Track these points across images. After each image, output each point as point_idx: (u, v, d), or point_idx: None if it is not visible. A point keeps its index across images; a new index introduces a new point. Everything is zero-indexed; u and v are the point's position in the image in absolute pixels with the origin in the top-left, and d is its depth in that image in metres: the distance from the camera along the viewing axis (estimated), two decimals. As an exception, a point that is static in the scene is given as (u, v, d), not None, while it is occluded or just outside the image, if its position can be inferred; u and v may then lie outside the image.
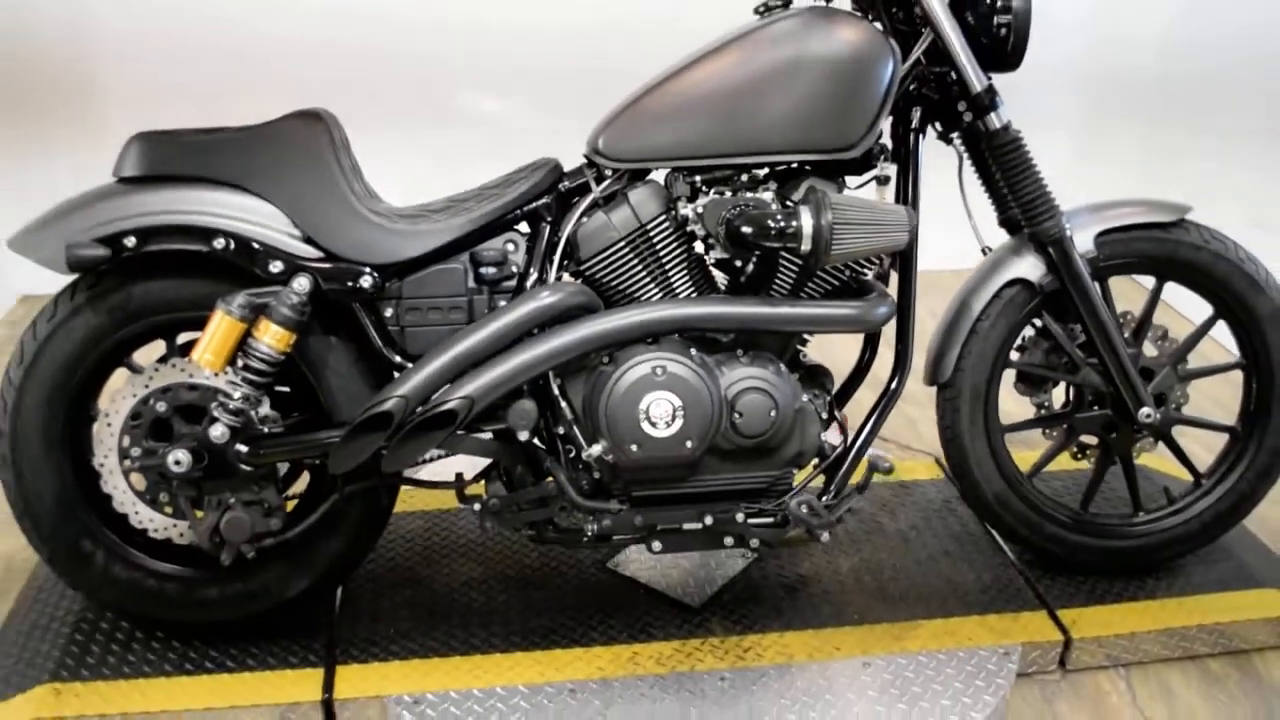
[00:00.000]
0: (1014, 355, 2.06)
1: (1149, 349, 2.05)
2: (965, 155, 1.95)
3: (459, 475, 1.88)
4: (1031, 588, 2.08)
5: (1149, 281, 2.04)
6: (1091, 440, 2.10)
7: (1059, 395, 2.11)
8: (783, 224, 1.69)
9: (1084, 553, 2.10)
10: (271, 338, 1.70)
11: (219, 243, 1.70)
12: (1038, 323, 2.03)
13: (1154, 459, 2.30)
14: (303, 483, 1.97)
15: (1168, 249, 1.97)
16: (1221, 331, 2.08)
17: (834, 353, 2.06)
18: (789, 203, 1.74)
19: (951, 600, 2.05)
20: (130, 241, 1.69)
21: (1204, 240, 1.98)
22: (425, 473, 1.94)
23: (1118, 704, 1.93)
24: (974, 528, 2.25)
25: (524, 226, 1.84)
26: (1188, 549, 2.13)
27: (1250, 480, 2.09)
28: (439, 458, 1.88)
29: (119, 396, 1.78)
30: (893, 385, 1.90)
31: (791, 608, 2.02)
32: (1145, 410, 1.97)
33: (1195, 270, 1.99)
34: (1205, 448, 2.21)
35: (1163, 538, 2.10)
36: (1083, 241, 1.94)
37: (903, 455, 2.58)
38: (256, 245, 1.71)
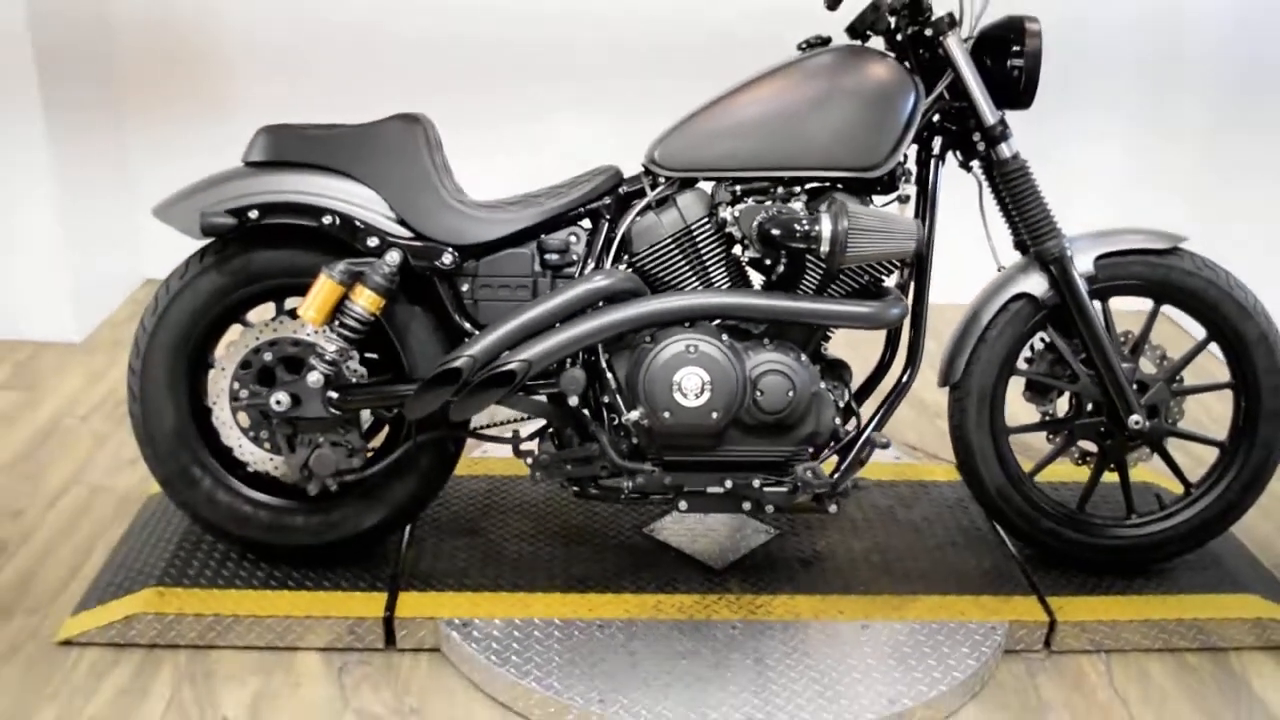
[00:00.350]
0: (1023, 365, 2.28)
1: (1147, 366, 2.25)
2: (983, 183, 2.19)
3: (515, 432, 2.16)
4: (1026, 576, 2.28)
5: (1149, 304, 2.25)
6: (1091, 447, 2.30)
7: (1063, 405, 2.32)
8: (806, 227, 1.95)
9: (1077, 549, 2.29)
10: (365, 301, 2.00)
11: (327, 219, 2.01)
12: (1045, 337, 2.25)
13: (1154, 474, 2.49)
14: (381, 439, 2.27)
15: (1161, 274, 2.18)
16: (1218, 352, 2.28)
17: (865, 353, 2.30)
18: (813, 210, 2.00)
19: (950, 581, 2.26)
20: (254, 214, 2.01)
21: (1197, 267, 2.18)
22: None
23: (1095, 683, 2.11)
24: (981, 523, 2.46)
25: (586, 222, 2.13)
26: (1175, 553, 2.30)
27: (1236, 492, 2.26)
28: (505, 423, 2.17)
29: (233, 347, 2.09)
30: (903, 379, 2.13)
31: (804, 576, 2.25)
32: (1135, 418, 2.17)
33: (1188, 295, 2.19)
34: (1199, 461, 2.39)
35: (1152, 540, 2.28)
36: (1083, 263, 2.16)
37: (926, 460, 2.79)
38: (358, 223, 2.02)
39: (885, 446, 2.12)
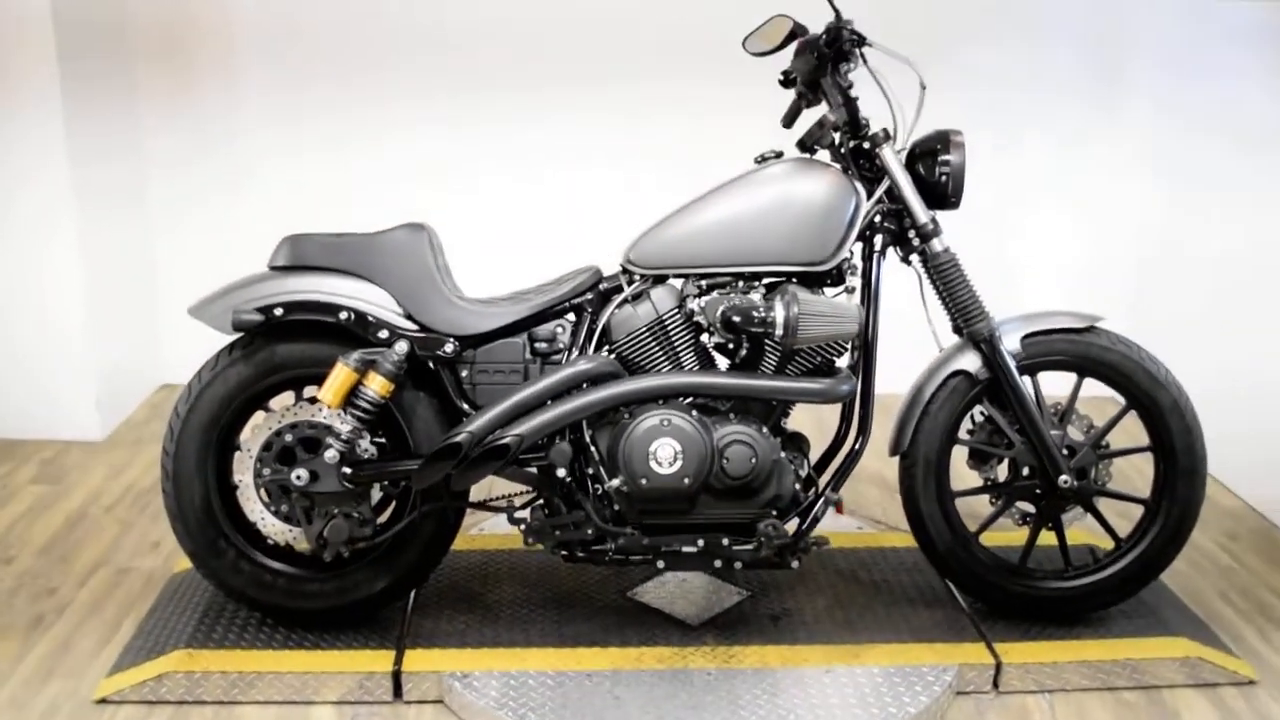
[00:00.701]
0: (965, 435, 2.55)
1: (1075, 433, 2.51)
2: (921, 275, 2.49)
3: (510, 502, 2.41)
4: (975, 626, 2.51)
5: (1073, 378, 2.53)
6: (1029, 508, 2.55)
7: (1003, 470, 2.57)
8: (763, 314, 2.24)
9: (1021, 600, 2.52)
10: (377, 386, 2.27)
11: (343, 315, 2.30)
12: (983, 410, 2.52)
13: (1089, 534, 2.73)
14: (389, 513, 2.51)
15: (1081, 349, 2.46)
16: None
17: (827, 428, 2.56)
18: (769, 300, 2.29)
19: (905, 631, 2.48)
20: (279, 311, 2.29)
21: (1112, 343, 2.46)
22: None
23: (1038, 717, 2.33)
24: (934, 581, 2.69)
25: (570, 315, 2.41)
26: (1109, 601, 2.54)
27: (1161, 545, 2.51)
28: (500, 496, 2.42)
29: (258, 430, 2.34)
30: (855, 447, 2.40)
31: (772, 630, 2.48)
32: (1064, 478, 2.43)
33: (1106, 368, 2.47)
34: (1128, 519, 2.63)
35: (1087, 590, 2.52)
36: (1011, 342, 2.44)
37: (886, 530, 3.03)
38: (370, 318, 2.30)
39: (838, 503, 2.37)
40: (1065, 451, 2.46)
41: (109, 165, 3.64)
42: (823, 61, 2.33)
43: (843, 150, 2.41)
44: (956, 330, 2.49)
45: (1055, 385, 2.52)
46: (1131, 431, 2.61)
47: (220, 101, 3.88)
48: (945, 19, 3.90)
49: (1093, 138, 4.04)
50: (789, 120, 2.57)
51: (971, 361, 2.46)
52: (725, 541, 2.33)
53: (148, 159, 3.88)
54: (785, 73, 2.47)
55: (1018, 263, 4.08)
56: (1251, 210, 3.43)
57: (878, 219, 2.41)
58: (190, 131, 3.88)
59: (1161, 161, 3.94)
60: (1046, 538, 2.54)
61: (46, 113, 3.32)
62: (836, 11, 2.35)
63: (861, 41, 2.34)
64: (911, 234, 2.40)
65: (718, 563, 2.35)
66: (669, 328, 2.35)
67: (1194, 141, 3.75)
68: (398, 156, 3.90)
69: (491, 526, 2.91)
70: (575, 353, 2.37)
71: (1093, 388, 2.51)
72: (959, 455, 2.54)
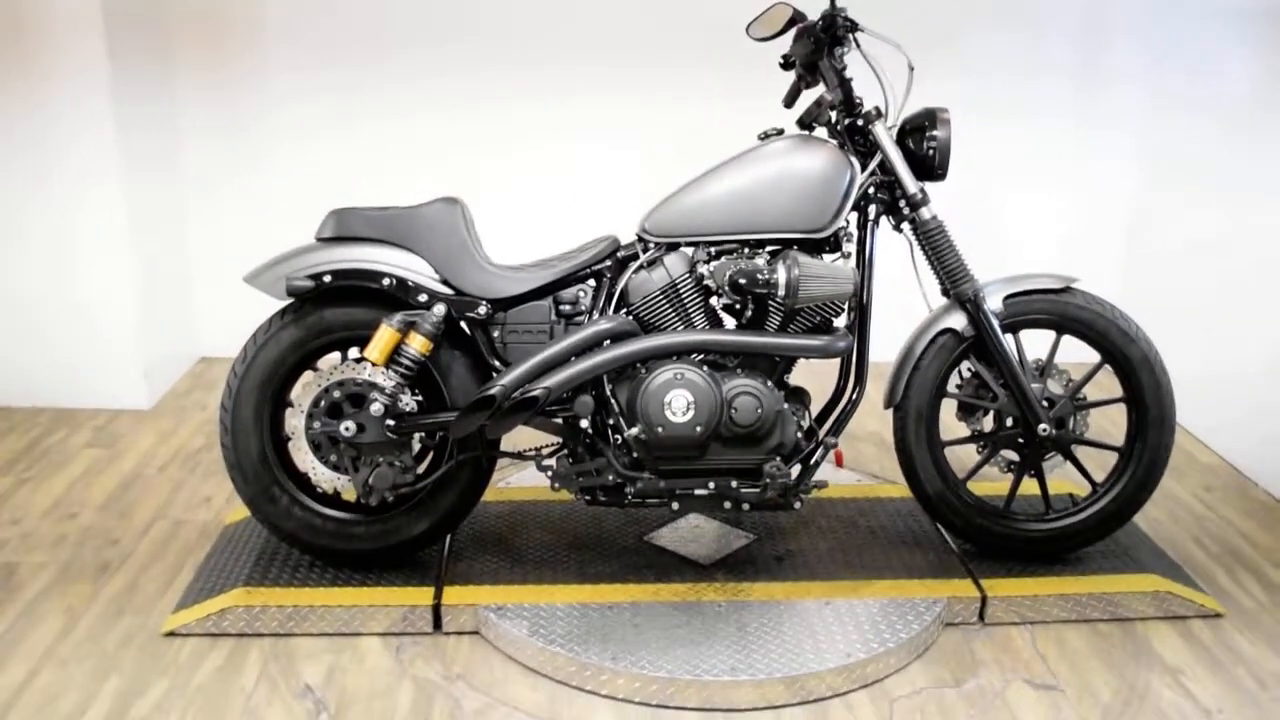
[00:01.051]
0: (954, 389, 2.77)
1: (1055, 386, 2.72)
2: (912, 241, 2.70)
3: (538, 449, 2.63)
4: (963, 564, 2.73)
5: (1051, 335, 2.74)
6: (1012, 455, 2.77)
7: (989, 422, 2.79)
8: (766, 276, 2.46)
9: (1005, 540, 2.75)
10: (417, 345, 2.50)
11: (386, 281, 2.52)
12: (970, 366, 2.74)
13: (1069, 482, 2.95)
14: (427, 464, 2.74)
15: (1059, 308, 2.67)
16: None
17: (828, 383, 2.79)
18: (772, 264, 2.51)
19: (900, 570, 2.71)
20: (327, 278, 2.52)
21: (1087, 302, 2.68)
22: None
23: (1021, 646, 2.55)
24: (927, 526, 2.91)
25: (591, 281, 2.64)
26: (1086, 541, 2.76)
27: (1133, 489, 2.73)
28: (530, 451, 2.65)
29: (308, 387, 2.57)
30: (853, 397, 2.62)
31: (777, 569, 2.71)
32: (1043, 426, 2.65)
33: (1082, 325, 2.68)
34: (1105, 467, 2.85)
35: (1066, 531, 2.74)
36: (994, 302, 2.66)
37: (884, 482, 3.25)
38: (410, 283, 2.52)
39: (837, 455, 2.59)
40: (1045, 403, 2.67)
41: (149, 138, 3.86)
42: (819, 45, 2.55)
43: (838, 127, 2.62)
44: (944, 292, 2.71)
45: (1037, 342, 2.74)
46: (1107, 386, 2.83)
47: (251, 78, 4.08)
48: (937, 6, 4.10)
49: (1077, 119, 4.25)
50: (790, 100, 2.79)
51: (958, 320, 2.67)
52: (734, 484, 2.56)
53: (183, 133, 4.09)
54: (785, 56, 2.68)
55: (1006, 233, 4.29)
56: (1230, 187, 3.64)
57: (871, 190, 2.62)
58: (222, 106, 4.09)
59: (1145, 140, 4.15)
60: (1029, 485, 2.77)
61: (95, 89, 3.55)
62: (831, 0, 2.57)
63: (854, 27, 2.56)
64: (902, 203, 2.62)
65: (727, 504, 2.58)
66: (681, 291, 2.57)
67: (1175, 121, 3.96)
68: (424, 131, 4.09)
69: (519, 480, 3.14)
70: (596, 314, 2.59)
71: (1073, 352, 2.73)
72: (948, 408, 2.76)
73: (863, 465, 3.40)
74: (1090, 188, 4.33)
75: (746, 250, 2.56)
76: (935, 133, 2.57)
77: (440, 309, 2.52)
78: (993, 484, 2.91)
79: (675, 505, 2.59)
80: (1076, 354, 2.78)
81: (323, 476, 2.58)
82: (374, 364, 2.50)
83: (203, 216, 4.16)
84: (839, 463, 3.32)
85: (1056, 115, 4.24)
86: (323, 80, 4.07)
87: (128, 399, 3.79)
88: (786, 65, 2.68)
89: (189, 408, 3.84)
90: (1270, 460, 3.38)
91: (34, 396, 3.78)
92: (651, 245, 2.59)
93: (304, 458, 2.58)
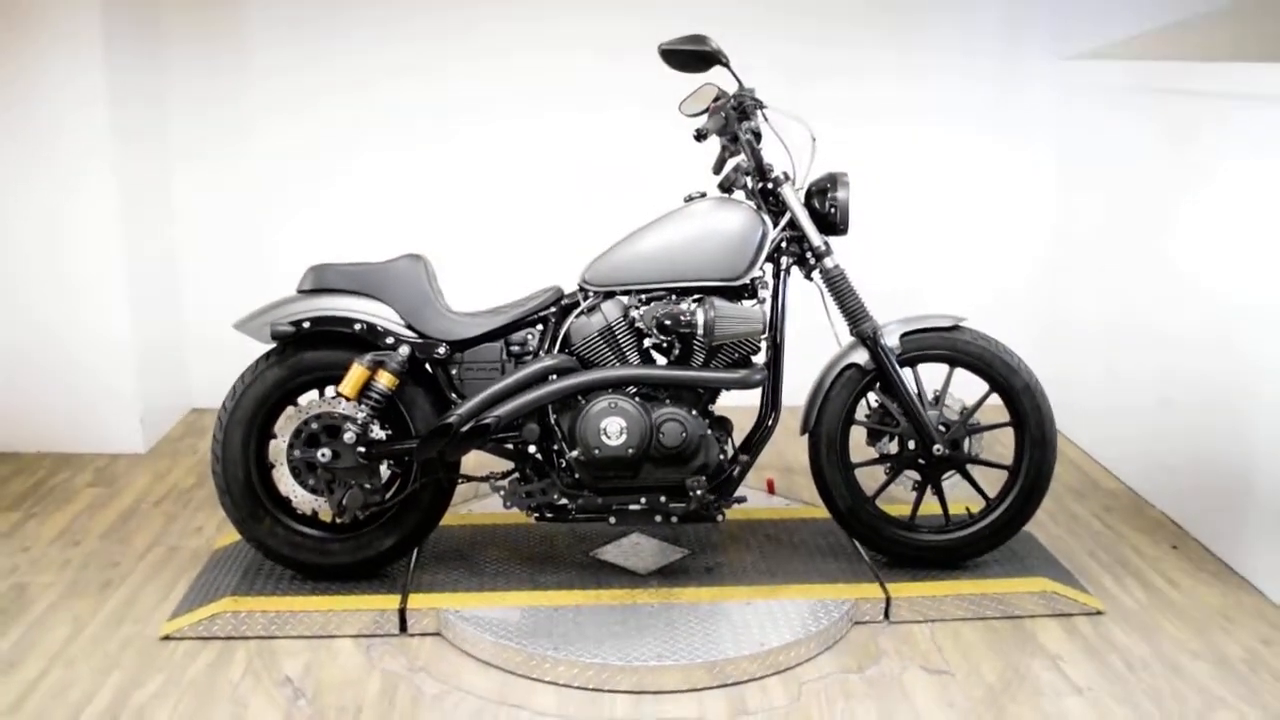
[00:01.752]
0: (863, 417, 3.13)
1: (950, 413, 3.09)
2: (822, 288, 3.08)
3: (491, 473, 2.99)
4: (873, 571, 3.08)
5: (944, 368, 3.12)
6: (916, 476, 3.13)
7: (894, 446, 3.14)
8: (688, 318, 2.84)
9: (910, 550, 3.09)
10: (385, 380, 2.86)
11: (357, 326, 2.89)
12: (875, 398, 3.11)
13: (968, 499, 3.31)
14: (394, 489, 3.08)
15: (949, 343, 3.05)
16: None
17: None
18: (693, 308, 2.89)
19: (816, 577, 3.05)
20: (306, 324, 2.89)
21: (974, 338, 3.06)
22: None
23: (920, 639, 2.89)
24: (844, 541, 3.26)
25: (538, 326, 3.01)
26: (982, 550, 3.11)
27: (1021, 501, 3.08)
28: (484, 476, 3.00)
29: (289, 420, 2.93)
30: (767, 423, 2.98)
31: (706, 577, 3.05)
32: (938, 447, 3.01)
33: (971, 358, 3.06)
34: (996, 484, 3.21)
35: (965, 541, 3.09)
36: (892, 339, 3.03)
37: (810, 506, 3.59)
38: (379, 328, 2.89)
39: (749, 464, 2.95)
40: (942, 428, 3.04)
41: (147, 194, 4.25)
42: (728, 120, 2.96)
43: (753, 190, 3.02)
44: (850, 331, 3.09)
45: (934, 375, 3.12)
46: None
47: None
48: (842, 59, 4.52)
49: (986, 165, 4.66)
50: (717, 168, 3.19)
51: (861, 356, 3.05)
52: (663, 499, 2.91)
53: (175, 186, 4.47)
54: (697, 130, 3.07)
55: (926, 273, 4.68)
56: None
57: (783, 244, 3.02)
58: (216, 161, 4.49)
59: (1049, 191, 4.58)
60: (931, 505, 3.12)
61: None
62: (739, 82, 2.98)
63: (760, 105, 2.97)
64: (809, 255, 3.01)
65: (658, 517, 2.93)
66: (617, 332, 2.94)
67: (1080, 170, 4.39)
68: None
69: (479, 507, 3.49)
70: (542, 354, 2.96)
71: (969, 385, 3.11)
72: (858, 435, 3.12)
73: (794, 494, 3.75)
74: (1003, 219, 4.71)
75: (673, 296, 2.95)
76: (836, 194, 2.97)
77: (405, 350, 2.89)
78: (901, 505, 3.26)
79: (613, 520, 2.94)
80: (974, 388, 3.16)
81: (302, 499, 2.93)
82: (347, 398, 2.86)
83: (196, 281, 4.54)
84: (770, 490, 3.68)
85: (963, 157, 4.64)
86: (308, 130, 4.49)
87: (125, 444, 4.13)
88: (700, 138, 3.08)
89: (182, 451, 4.18)
90: (1165, 484, 3.74)
91: (39, 443, 4.12)
92: (591, 294, 2.97)
93: (286, 482, 2.93)
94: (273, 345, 2.95)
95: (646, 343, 2.99)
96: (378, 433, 2.90)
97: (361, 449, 2.88)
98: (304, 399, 3.01)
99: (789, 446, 4.09)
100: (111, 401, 4.10)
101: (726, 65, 2.91)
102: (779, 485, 3.76)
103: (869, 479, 3.16)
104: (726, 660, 2.66)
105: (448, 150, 4.48)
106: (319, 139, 4.45)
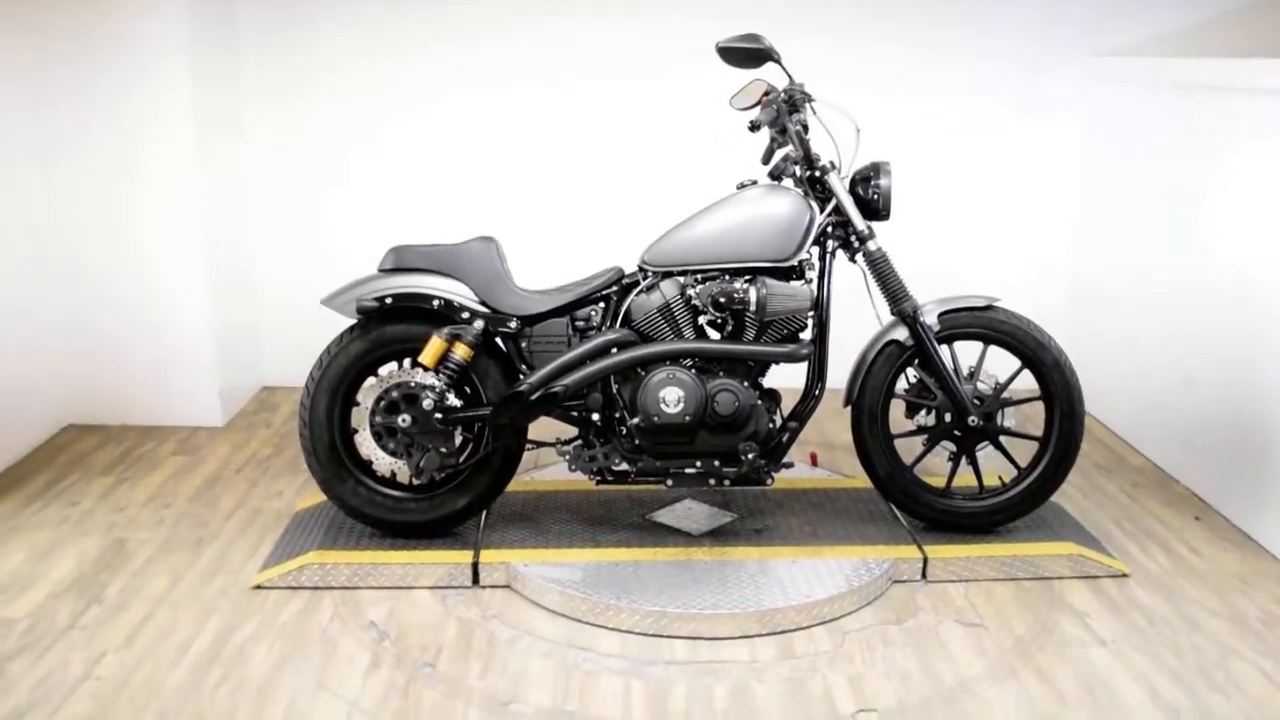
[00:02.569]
0: (902, 391, 3.34)
1: (984, 387, 3.29)
2: (865, 270, 3.30)
3: (558, 438, 3.22)
4: (911, 535, 3.29)
5: (979, 345, 3.32)
6: (950, 446, 3.33)
7: (931, 419, 3.34)
8: (741, 295, 3.06)
9: (946, 515, 3.30)
10: (461, 352, 3.10)
11: (436, 302, 3.13)
12: (914, 372, 3.32)
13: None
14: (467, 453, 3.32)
15: (984, 322, 3.25)
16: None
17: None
18: (746, 286, 3.11)
19: (857, 539, 3.26)
20: (389, 300, 3.13)
21: (1007, 317, 3.26)
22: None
23: (955, 597, 3.09)
24: (883, 507, 3.47)
25: (601, 304, 3.24)
26: (1013, 516, 3.32)
27: (1051, 471, 3.28)
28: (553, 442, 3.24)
29: (371, 389, 3.17)
30: (815, 392, 3.20)
31: (755, 538, 3.27)
32: (972, 418, 3.21)
33: (1004, 336, 3.26)
34: (1028, 455, 3.41)
35: (997, 507, 3.30)
36: (930, 318, 3.24)
37: (851, 477, 3.80)
38: (455, 304, 3.13)
39: (797, 430, 3.17)
40: (976, 401, 3.25)
41: (226, 192, 4.53)
42: (780, 112, 3.17)
43: (801, 178, 3.24)
44: (891, 310, 3.30)
45: (970, 352, 3.32)
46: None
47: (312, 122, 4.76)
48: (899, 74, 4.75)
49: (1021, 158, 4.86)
50: (766, 158, 3.41)
51: (901, 333, 3.26)
52: (716, 464, 3.14)
53: (248, 185, 4.76)
54: (752, 122, 3.29)
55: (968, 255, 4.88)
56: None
57: (829, 229, 3.23)
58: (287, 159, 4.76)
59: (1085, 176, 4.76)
60: (966, 475, 3.33)
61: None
62: (790, 77, 3.19)
63: (809, 98, 3.19)
64: (853, 239, 3.22)
65: (712, 480, 3.16)
66: (674, 310, 3.17)
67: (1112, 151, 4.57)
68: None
69: (541, 475, 3.72)
70: (605, 328, 3.19)
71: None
72: (898, 407, 3.33)
73: (836, 466, 3.96)
74: (1034, 210, 4.91)
75: (727, 276, 3.17)
76: (879, 181, 3.18)
77: (479, 324, 3.13)
78: (939, 475, 3.46)
79: (669, 482, 3.17)
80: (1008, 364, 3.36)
81: (383, 461, 3.17)
82: (426, 368, 3.10)
83: (267, 263, 4.80)
84: (814, 463, 3.90)
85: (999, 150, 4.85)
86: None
87: (205, 418, 4.40)
88: (754, 128, 3.29)
89: (257, 424, 4.45)
90: (1190, 460, 3.92)
91: (124, 416, 4.39)
92: (650, 274, 3.19)
93: (368, 446, 3.17)
94: (357, 320, 3.20)
95: (701, 319, 3.21)
96: (453, 400, 3.14)
97: (439, 415, 3.12)
98: (384, 369, 3.25)
99: (830, 424, 4.30)
100: (192, 378, 4.38)
101: (779, 62, 3.13)
102: (821, 459, 3.97)
103: (907, 450, 3.37)
104: (775, 610, 2.88)
105: (506, 126, 4.71)
106: (374, 111, 4.71)
